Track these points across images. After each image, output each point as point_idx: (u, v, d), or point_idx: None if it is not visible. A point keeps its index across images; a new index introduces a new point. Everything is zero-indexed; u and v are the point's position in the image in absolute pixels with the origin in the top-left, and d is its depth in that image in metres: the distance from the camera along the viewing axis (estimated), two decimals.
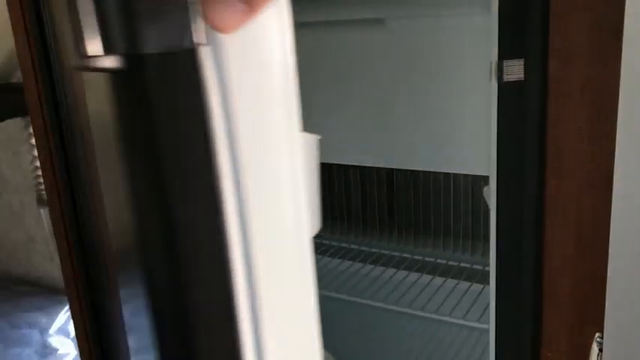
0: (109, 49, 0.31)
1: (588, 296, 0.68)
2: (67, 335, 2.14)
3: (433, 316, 1.42)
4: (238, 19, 0.27)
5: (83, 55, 0.32)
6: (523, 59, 0.65)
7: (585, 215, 0.66)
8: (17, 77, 2.33)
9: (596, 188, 0.64)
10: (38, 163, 2.50)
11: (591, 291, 0.67)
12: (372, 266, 1.63)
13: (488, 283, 0.99)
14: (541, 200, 0.66)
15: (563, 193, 0.64)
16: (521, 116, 0.68)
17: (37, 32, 0.82)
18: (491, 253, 0.89)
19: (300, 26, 0.45)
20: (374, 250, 1.68)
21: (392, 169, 1.62)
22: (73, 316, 1.03)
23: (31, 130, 2.52)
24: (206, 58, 0.32)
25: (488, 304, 0.99)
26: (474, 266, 1.54)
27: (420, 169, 1.55)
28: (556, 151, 0.65)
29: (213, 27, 0.28)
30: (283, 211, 0.39)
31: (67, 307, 2.35)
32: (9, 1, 0.86)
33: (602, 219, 0.65)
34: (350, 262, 1.65)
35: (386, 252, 1.67)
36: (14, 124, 2.44)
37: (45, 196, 2.58)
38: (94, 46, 0.31)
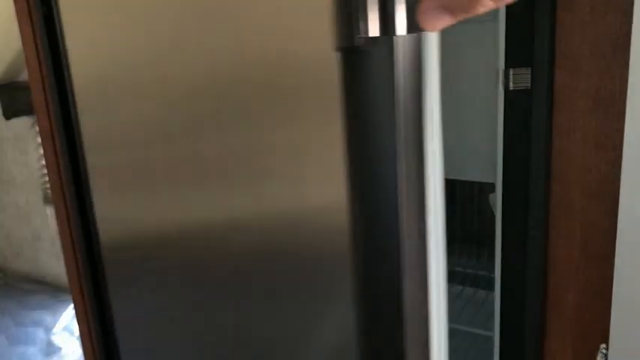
0: (385, 31, 0.36)
1: (593, 306, 0.67)
2: (72, 334, 2.15)
3: None
4: (442, 25, 0.35)
5: (362, 36, 0.37)
6: (530, 68, 0.65)
7: (590, 225, 0.65)
8: (25, 76, 2.34)
9: (602, 198, 0.64)
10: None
11: (596, 300, 0.67)
12: None
13: (493, 290, 0.98)
14: (546, 209, 0.65)
15: (568, 202, 0.64)
16: (528, 124, 0.67)
17: (43, 31, 0.82)
18: (496, 261, 0.89)
19: None
20: None
21: None
22: (77, 317, 1.03)
23: (37, 128, 2.52)
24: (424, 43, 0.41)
25: (493, 311, 0.98)
26: (480, 272, 1.53)
27: None
28: (562, 160, 0.65)
29: (425, 29, 0.36)
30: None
31: (71, 306, 2.35)
32: None
33: (607, 229, 0.65)
34: None
35: None
36: (22, 123, 2.45)
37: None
38: (374, 28, 0.36)
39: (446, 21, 0.34)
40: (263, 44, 0.53)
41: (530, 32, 0.64)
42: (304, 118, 0.52)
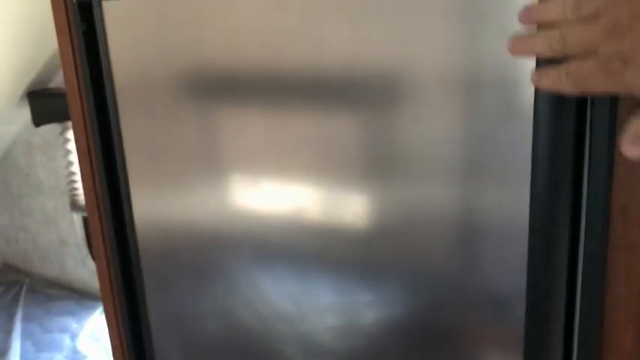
0: None
1: None
2: (97, 341, 2.15)
3: None
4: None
5: None
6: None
7: None
8: (55, 83, 2.35)
9: None
10: (73, 169, 2.52)
11: None
12: None
13: None
14: (605, 247, 0.62)
15: (630, 241, 0.60)
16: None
17: (82, 47, 0.80)
18: None
19: None
20: None
21: None
22: (109, 329, 1.02)
23: (67, 135, 2.54)
24: None
25: None
26: None
27: None
28: (623, 194, 0.61)
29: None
30: None
31: (97, 312, 2.36)
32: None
33: None
34: None
35: None
36: (50, 129, 2.47)
37: (78, 202, 2.59)
38: None
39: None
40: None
41: None
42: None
